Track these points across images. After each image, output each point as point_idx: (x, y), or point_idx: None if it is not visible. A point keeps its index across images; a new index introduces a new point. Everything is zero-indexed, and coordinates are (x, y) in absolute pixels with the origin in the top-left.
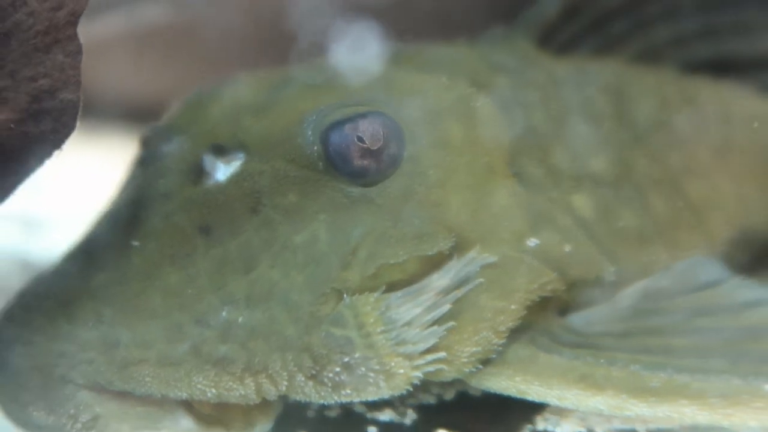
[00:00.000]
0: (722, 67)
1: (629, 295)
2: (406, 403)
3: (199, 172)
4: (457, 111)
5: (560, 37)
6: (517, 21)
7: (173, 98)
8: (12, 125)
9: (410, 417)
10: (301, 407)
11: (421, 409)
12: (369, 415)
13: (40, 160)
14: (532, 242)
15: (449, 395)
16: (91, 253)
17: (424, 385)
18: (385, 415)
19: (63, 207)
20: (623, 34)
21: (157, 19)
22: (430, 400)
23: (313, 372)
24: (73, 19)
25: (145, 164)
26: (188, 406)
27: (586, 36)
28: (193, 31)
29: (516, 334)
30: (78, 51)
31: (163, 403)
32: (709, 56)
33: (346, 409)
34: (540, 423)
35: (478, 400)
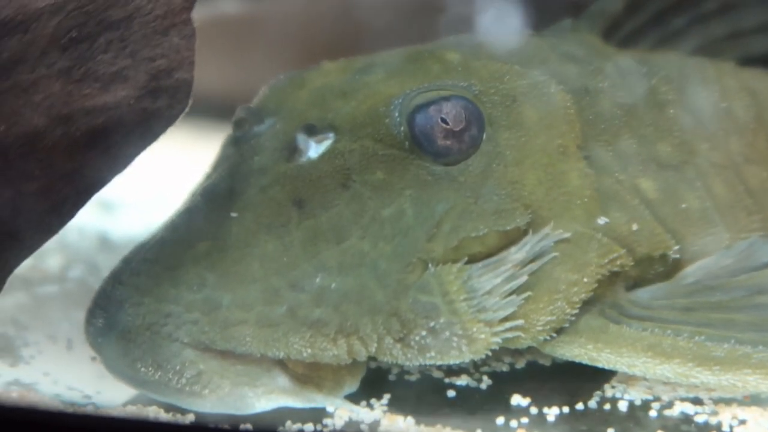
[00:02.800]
0: None
1: (692, 272)
2: (480, 370)
3: (292, 150)
4: (532, 97)
5: (623, 31)
6: (582, 15)
7: (247, 92)
8: (132, 101)
9: (485, 383)
10: (382, 372)
11: (495, 375)
12: (447, 380)
13: (155, 135)
14: (602, 220)
15: (520, 364)
16: (192, 224)
17: (497, 354)
18: (462, 380)
19: (134, 192)
20: (682, 28)
21: (232, 11)
22: (503, 368)
23: (401, 335)
24: (188, 5)
25: (239, 143)
26: (283, 365)
27: (647, 30)
28: (266, 25)
29: (587, 306)
30: (192, 34)
31: (261, 362)
32: (765, 51)
33: (425, 375)
34: (608, 391)
35: (547, 369)
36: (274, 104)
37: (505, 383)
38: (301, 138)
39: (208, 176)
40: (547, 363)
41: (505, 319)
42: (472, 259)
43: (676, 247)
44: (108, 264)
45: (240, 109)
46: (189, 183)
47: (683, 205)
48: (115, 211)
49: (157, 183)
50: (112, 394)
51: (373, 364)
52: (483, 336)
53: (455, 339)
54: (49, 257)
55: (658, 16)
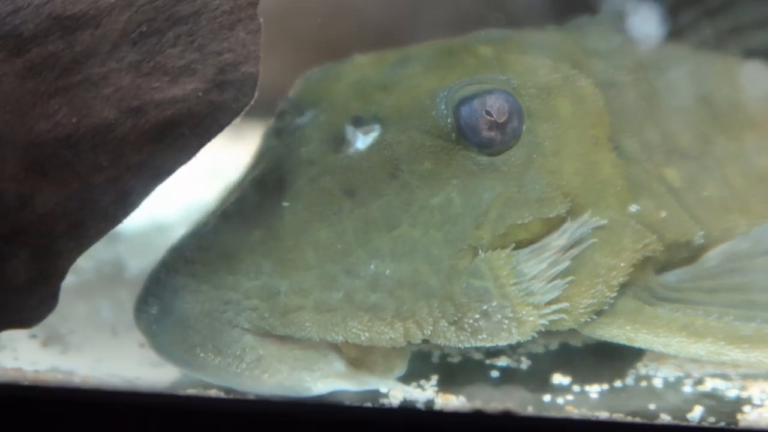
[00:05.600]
0: None
1: (714, 256)
2: (517, 351)
3: (339, 141)
4: (565, 90)
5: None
6: (601, 10)
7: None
8: (200, 94)
9: (525, 363)
10: (423, 355)
11: (533, 356)
12: (488, 361)
13: (221, 127)
14: (633, 208)
15: (554, 345)
16: (245, 213)
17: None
18: (503, 362)
19: None
20: (690, 23)
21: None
22: (538, 349)
23: (455, 318)
24: (254, 0)
25: (282, 134)
26: (338, 350)
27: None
28: (291, 20)
29: (622, 289)
30: (258, 29)
31: (318, 347)
32: (765, 45)
33: (466, 357)
34: (642, 369)
35: (579, 350)
36: (313, 97)
37: (544, 363)
38: (349, 129)
39: (254, 166)
40: (579, 344)
41: (551, 302)
42: (518, 246)
43: (701, 233)
44: (117, 254)
45: (282, 102)
46: (190, 176)
47: (705, 193)
48: None
49: None
50: (150, 380)
51: (414, 348)
52: (531, 318)
53: (506, 321)
54: None
55: (669, 11)
